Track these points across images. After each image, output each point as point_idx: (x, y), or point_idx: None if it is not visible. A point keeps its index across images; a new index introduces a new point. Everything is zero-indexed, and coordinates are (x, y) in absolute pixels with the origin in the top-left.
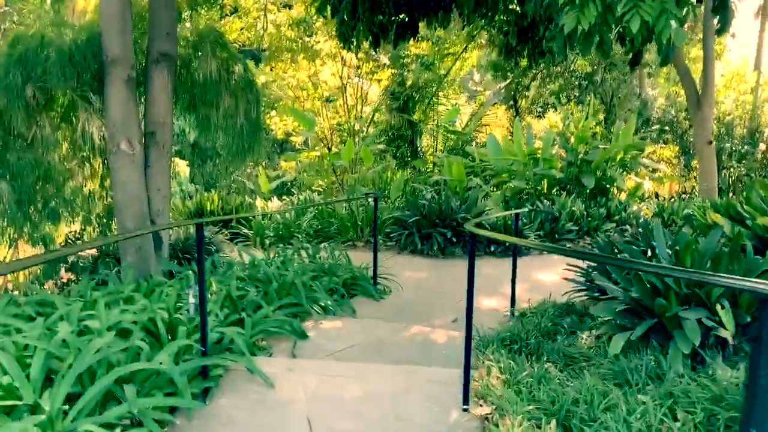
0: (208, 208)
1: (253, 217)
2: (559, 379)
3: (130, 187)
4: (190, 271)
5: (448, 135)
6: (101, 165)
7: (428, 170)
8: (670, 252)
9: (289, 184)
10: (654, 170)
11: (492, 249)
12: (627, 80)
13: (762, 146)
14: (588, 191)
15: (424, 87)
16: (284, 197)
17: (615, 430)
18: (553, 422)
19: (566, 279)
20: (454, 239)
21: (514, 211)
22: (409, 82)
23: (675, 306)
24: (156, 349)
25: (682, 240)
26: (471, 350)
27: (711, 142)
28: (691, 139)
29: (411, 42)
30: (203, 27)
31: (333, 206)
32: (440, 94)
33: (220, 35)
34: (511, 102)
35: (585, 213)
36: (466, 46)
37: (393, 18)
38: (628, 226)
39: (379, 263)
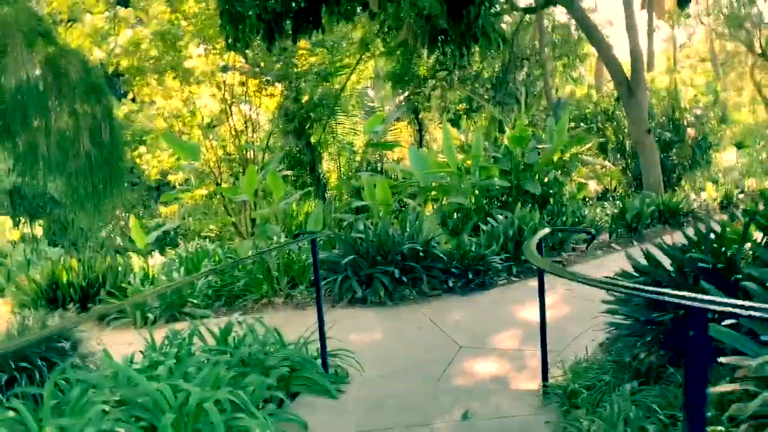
0: (65, 280)
1: (129, 284)
2: None
3: None
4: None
5: (351, 157)
6: None
7: (339, 196)
8: None
9: (171, 232)
10: (597, 167)
11: (451, 284)
12: (537, 78)
13: (691, 131)
14: (532, 200)
15: (321, 104)
16: (169, 249)
17: None
18: None
19: (609, 324)
20: (404, 278)
21: (540, 234)
22: (304, 98)
23: None
24: None
25: None
26: None
27: (650, 131)
28: (608, 134)
29: (304, 46)
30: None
31: (237, 256)
32: (338, 110)
33: (38, 19)
34: (413, 116)
35: (545, 223)
36: (360, 57)
37: (291, 3)
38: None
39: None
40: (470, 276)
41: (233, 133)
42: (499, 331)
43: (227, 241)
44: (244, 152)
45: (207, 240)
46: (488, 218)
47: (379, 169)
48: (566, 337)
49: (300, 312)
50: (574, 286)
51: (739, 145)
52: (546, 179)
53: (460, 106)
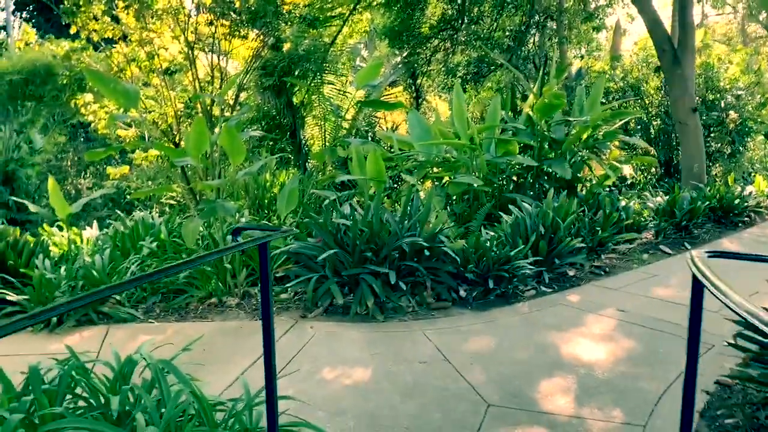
0: None
1: (35, 267)
2: None
3: None
4: None
5: (339, 122)
6: None
7: (323, 168)
8: None
9: (126, 196)
10: (633, 148)
11: (462, 294)
12: (553, 45)
13: (732, 114)
14: (558, 184)
15: (307, 57)
16: (112, 220)
17: None
18: None
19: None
20: (401, 283)
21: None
22: (286, 46)
23: None
24: None
25: None
26: None
27: (695, 110)
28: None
29: None
30: None
31: (182, 239)
32: (326, 68)
33: None
34: (410, 81)
35: (586, 219)
36: (355, 6)
37: None
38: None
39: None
40: (490, 284)
41: (196, 84)
42: (540, 375)
43: (181, 214)
44: (209, 106)
45: (158, 212)
46: (509, 206)
47: (370, 138)
48: (643, 398)
49: (258, 322)
50: (629, 306)
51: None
52: (573, 160)
53: (466, 70)
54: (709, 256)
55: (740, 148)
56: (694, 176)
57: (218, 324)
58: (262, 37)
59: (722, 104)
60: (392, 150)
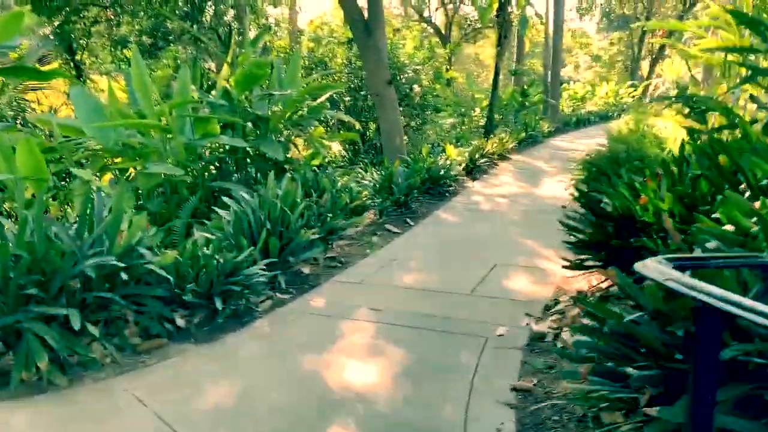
0: None
1: None
2: None
3: None
4: None
5: None
6: None
7: None
8: None
9: None
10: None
11: (182, 323)
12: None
13: (417, 88)
14: (269, 167)
15: None
16: None
17: None
18: None
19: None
20: (88, 324)
21: None
22: None
23: None
24: None
25: None
26: None
27: (391, 82)
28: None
29: None
30: None
31: None
32: None
33: None
34: (67, 56)
35: (314, 206)
36: None
37: None
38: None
39: None
40: (217, 304)
41: None
42: (314, 426)
43: None
44: None
45: None
46: (223, 198)
47: (19, 124)
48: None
49: None
50: (380, 303)
51: (437, 109)
52: (281, 139)
53: (138, 41)
54: (675, 266)
55: (427, 120)
56: (395, 149)
57: None
58: None
59: (404, 78)
60: (53, 138)
